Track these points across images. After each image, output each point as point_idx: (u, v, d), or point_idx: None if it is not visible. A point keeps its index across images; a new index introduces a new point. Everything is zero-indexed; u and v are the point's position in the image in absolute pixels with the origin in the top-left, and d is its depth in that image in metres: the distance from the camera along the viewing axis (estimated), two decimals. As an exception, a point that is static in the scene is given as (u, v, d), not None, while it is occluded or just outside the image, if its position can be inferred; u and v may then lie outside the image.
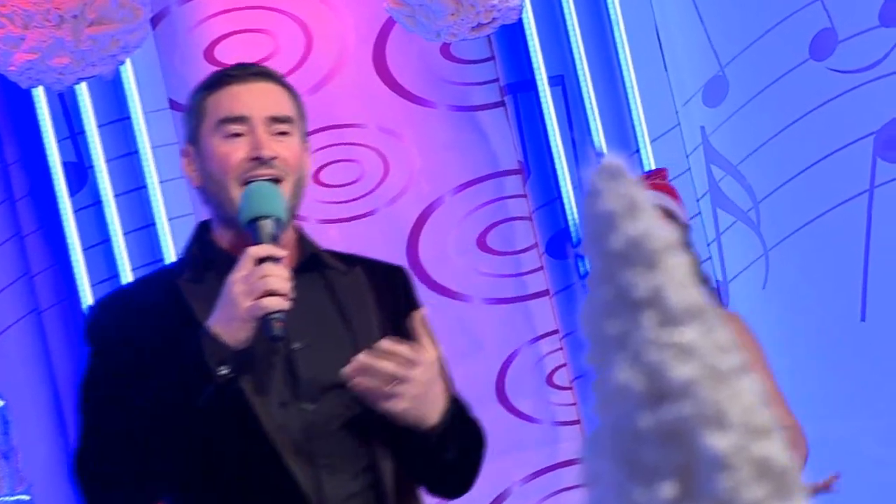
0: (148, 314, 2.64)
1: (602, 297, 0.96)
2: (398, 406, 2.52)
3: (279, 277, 2.50)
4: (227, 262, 2.66)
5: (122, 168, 5.03)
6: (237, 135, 2.66)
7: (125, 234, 4.92)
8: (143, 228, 4.99)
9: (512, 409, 5.43)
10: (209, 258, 2.76)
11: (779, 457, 0.94)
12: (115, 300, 2.93)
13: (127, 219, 4.97)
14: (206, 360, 2.44)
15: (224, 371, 2.46)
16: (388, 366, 2.50)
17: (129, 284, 4.07)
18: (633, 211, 0.96)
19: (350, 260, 2.90)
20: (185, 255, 2.85)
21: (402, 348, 2.54)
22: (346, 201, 5.41)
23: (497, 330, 5.46)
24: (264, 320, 2.47)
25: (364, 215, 5.40)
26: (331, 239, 5.37)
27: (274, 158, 2.63)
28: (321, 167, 5.34)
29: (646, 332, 0.94)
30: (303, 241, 2.80)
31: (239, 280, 2.49)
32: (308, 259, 2.77)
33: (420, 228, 5.41)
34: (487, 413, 5.35)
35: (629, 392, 0.93)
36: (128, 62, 4.73)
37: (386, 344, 2.56)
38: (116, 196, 4.95)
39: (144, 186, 4.95)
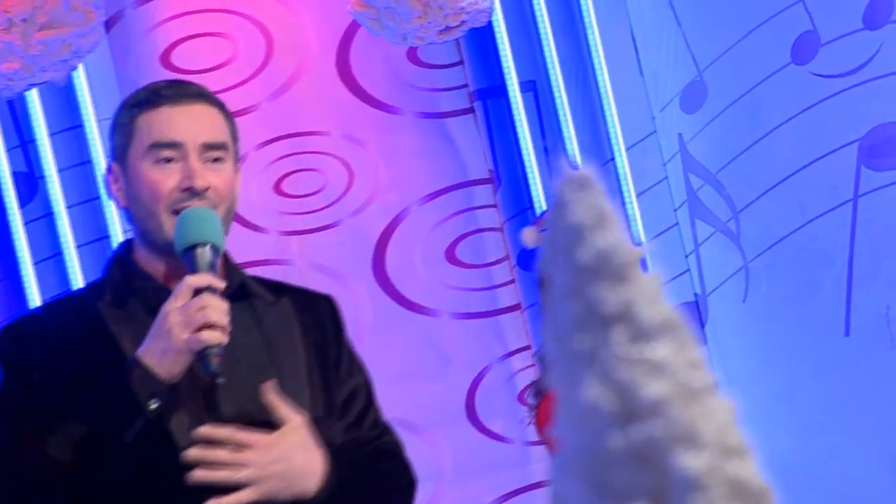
0: (65, 341, 2.58)
1: (569, 312, 0.96)
2: (246, 495, 2.47)
3: (218, 309, 2.46)
4: (152, 287, 2.64)
5: (75, 178, 5.01)
6: (169, 160, 2.62)
7: (78, 247, 4.90)
8: (96, 241, 4.96)
9: (483, 429, 5.43)
10: (132, 283, 2.70)
11: (754, 477, 0.95)
12: (27, 325, 2.82)
13: (80, 231, 4.94)
14: (136, 392, 2.40)
15: (154, 405, 2.42)
16: (219, 454, 2.45)
17: (39, 308, 3.90)
18: (602, 223, 0.97)
19: (277, 289, 2.86)
20: (106, 277, 2.78)
21: (232, 435, 2.50)
22: (308, 212, 5.40)
23: (467, 346, 5.46)
24: (201, 354, 2.43)
25: (327, 227, 5.39)
26: (292, 252, 5.37)
27: (207, 189, 2.60)
28: (282, 177, 5.34)
29: (616, 348, 0.94)
30: (230, 269, 2.75)
31: (175, 311, 2.44)
32: (236, 288, 2.72)
33: (386, 240, 5.41)
34: (457, 433, 5.38)
35: (598, 411, 0.93)
36: (80, 67, 4.71)
37: (205, 430, 2.50)
38: (69, 207, 4.92)
39: (98, 197, 4.92)
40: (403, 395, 5.29)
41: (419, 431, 5.39)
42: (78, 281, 4.83)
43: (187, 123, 2.65)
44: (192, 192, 2.60)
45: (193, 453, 2.46)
